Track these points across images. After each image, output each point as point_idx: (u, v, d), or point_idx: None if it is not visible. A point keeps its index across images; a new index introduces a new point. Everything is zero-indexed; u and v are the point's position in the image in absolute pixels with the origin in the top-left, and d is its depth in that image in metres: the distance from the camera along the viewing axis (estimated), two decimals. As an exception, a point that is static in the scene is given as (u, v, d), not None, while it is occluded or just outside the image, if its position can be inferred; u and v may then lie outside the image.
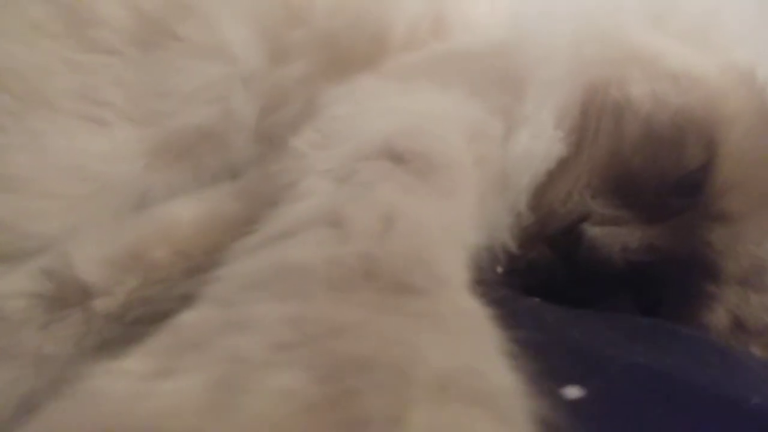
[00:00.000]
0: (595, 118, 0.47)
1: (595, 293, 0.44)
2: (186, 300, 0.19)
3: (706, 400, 0.22)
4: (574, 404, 0.22)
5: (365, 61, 0.53)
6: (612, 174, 0.45)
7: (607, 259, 0.42)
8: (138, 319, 0.31)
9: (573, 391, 0.22)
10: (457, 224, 0.28)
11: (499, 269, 0.45)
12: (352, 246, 0.21)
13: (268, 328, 0.16)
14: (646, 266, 0.42)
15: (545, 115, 0.46)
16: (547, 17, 0.50)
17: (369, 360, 0.15)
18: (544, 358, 0.24)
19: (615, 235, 0.43)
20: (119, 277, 0.32)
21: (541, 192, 0.46)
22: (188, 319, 0.17)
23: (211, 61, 0.50)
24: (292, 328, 0.16)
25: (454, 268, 0.23)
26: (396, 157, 0.31)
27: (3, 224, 0.43)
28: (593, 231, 0.43)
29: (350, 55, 0.53)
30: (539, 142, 0.45)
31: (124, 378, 0.15)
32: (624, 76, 0.47)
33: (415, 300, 0.19)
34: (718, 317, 0.43)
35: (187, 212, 0.37)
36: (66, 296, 0.31)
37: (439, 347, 0.17)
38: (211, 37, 0.50)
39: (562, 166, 0.47)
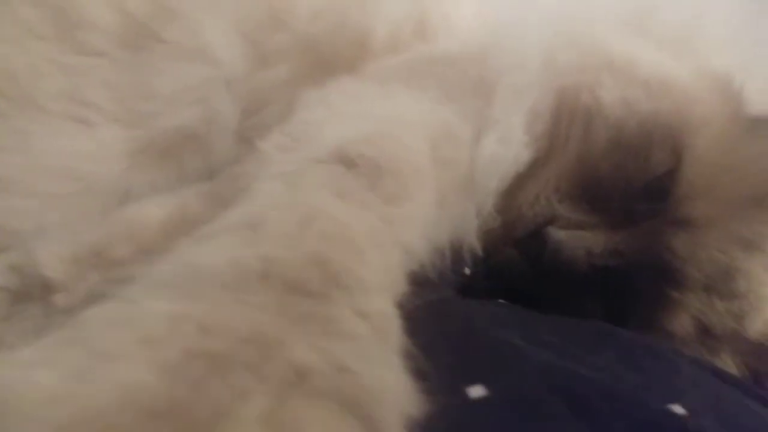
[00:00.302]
0: (566, 124, 0.47)
1: (561, 297, 0.45)
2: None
3: (614, 404, 0.23)
4: (476, 403, 0.22)
5: (347, 64, 0.54)
6: (580, 179, 0.46)
7: (571, 262, 0.43)
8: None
9: (477, 390, 0.23)
10: (397, 227, 0.29)
11: (467, 271, 0.46)
12: (258, 248, 0.22)
13: (145, 324, 0.17)
14: (610, 271, 0.43)
15: (514, 119, 0.47)
16: (521, 23, 0.50)
17: (224, 356, 0.16)
18: (457, 358, 0.25)
19: (580, 239, 0.44)
20: (81, 274, 0.33)
21: (509, 195, 0.47)
22: (89, 314, 0.19)
23: (194, 63, 0.52)
24: (167, 325, 0.17)
25: (374, 271, 0.24)
26: (348, 161, 0.32)
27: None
28: (558, 234, 0.44)
29: (332, 59, 0.54)
30: (507, 146, 0.46)
31: (11, 367, 0.17)
32: (596, 83, 0.47)
33: (304, 301, 0.20)
34: (681, 323, 0.44)
35: (157, 211, 0.39)
36: (29, 290, 0.33)
37: (308, 347, 0.18)
38: (195, 40, 0.52)
39: (531, 169, 0.48)
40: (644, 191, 0.44)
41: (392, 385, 0.19)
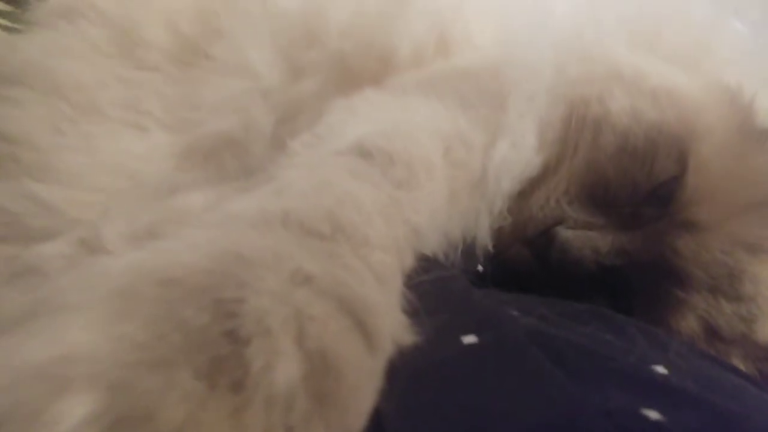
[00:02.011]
0: (575, 131, 0.50)
1: (569, 295, 0.47)
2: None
3: (594, 359, 0.26)
4: (468, 347, 0.26)
5: (372, 78, 0.59)
6: (588, 183, 0.48)
7: (578, 261, 0.46)
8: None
9: (470, 338, 0.26)
10: (405, 208, 0.33)
11: (480, 268, 0.49)
12: (280, 203, 0.26)
13: (167, 254, 0.22)
14: (616, 270, 0.45)
15: (527, 126, 0.50)
16: (535, 39, 0.54)
17: (243, 256, 0.20)
18: (455, 316, 0.28)
19: (587, 239, 0.46)
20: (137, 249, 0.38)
21: (521, 197, 0.50)
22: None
23: (236, 77, 0.58)
24: (192, 251, 0.21)
25: (379, 234, 0.27)
26: (364, 153, 0.36)
27: (56, 210, 0.51)
28: (566, 233, 0.46)
29: (359, 73, 0.59)
30: (519, 151, 0.49)
31: None
32: (605, 93, 0.50)
33: (315, 241, 0.24)
34: (688, 323, 0.45)
35: (200, 199, 0.44)
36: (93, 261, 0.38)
37: (314, 264, 0.22)
38: (238, 56, 0.58)
39: (543, 174, 0.51)
40: (650, 195, 0.47)
41: (386, 310, 0.23)
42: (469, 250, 0.48)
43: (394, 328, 0.23)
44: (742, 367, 0.47)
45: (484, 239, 0.49)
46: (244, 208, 0.26)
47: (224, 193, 0.46)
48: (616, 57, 0.53)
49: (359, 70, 0.59)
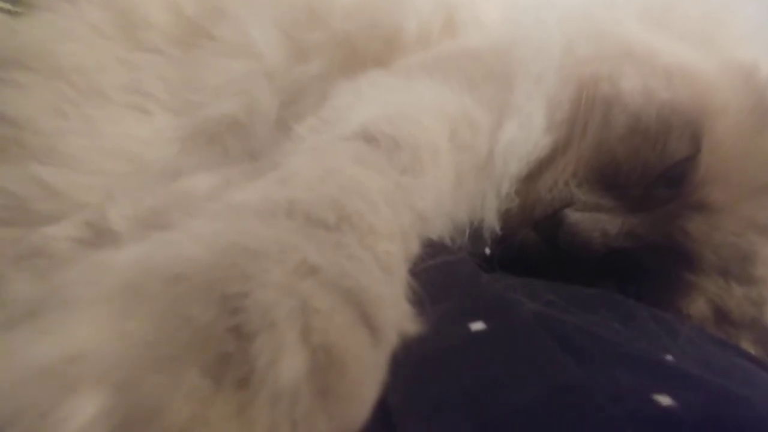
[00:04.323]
0: (585, 112, 0.49)
1: (578, 278, 0.47)
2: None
3: (602, 345, 0.25)
4: (476, 334, 0.26)
5: (378, 59, 0.58)
6: (598, 164, 0.48)
7: (587, 243, 0.45)
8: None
9: (478, 325, 0.26)
10: (411, 194, 0.32)
11: (487, 250, 0.49)
12: (285, 192, 0.26)
13: (172, 247, 0.22)
14: (626, 253, 0.45)
15: (535, 107, 0.49)
16: (543, 17, 0.53)
17: (251, 249, 0.20)
18: (463, 302, 0.28)
19: (595, 221, 0.45)
20: (141, 230, 0.38)
21: (529, 179, 0.49)
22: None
23: (239, 59, 0.57)
24: (197, 244, 0.21)
25: (384, 222, 0.27)
26: (369, 137, 0.36)
27: (60, 194, 0.51)
28: (574, 216, 0.46)
29: (364, 54, 0.58)
30: (528, 131, 0.49)
31: None
32: (616, 72, 0.49)
33: (320, 231, 0.24)
34: (698, 306, 0.45)
35: (205, 181, 0.44)
36: (101, 243, 0.38)
37: (319, 255, 0.22)
38: (241, 37, 0.57)
39: (551, 156, 0.50)
40: (661, 177, 0.46)
41: (391, 302, 0.23)
42: (476, 233, 0.48)
43: (399, 320, 0.23)
44: (752, 351, 0.47)
45: (492, 222, 0.49)
46: (248, 197, 0.26)
47: (229, 176, 0.46)
48: (626, 34, 0.51)
49: (364, 51, 0.58)
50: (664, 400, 0.24)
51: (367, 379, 0.21)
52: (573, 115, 0.50)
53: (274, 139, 0.57)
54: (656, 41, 0.51)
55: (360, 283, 0.21)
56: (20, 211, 0.51)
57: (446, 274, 0.31)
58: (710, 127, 0.46)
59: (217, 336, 0.18)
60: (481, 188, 0.48)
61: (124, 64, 0.57)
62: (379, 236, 0.26)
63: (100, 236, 0.37)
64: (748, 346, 0.47)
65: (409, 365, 0.23)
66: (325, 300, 0.20)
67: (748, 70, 0.50)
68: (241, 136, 0.57)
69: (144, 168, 0.53)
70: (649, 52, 0.50)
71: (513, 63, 0.50)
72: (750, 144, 0.46)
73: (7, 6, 0.60)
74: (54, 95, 0.55)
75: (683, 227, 0.44)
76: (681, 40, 0.52)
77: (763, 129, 0.47)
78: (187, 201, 0.43)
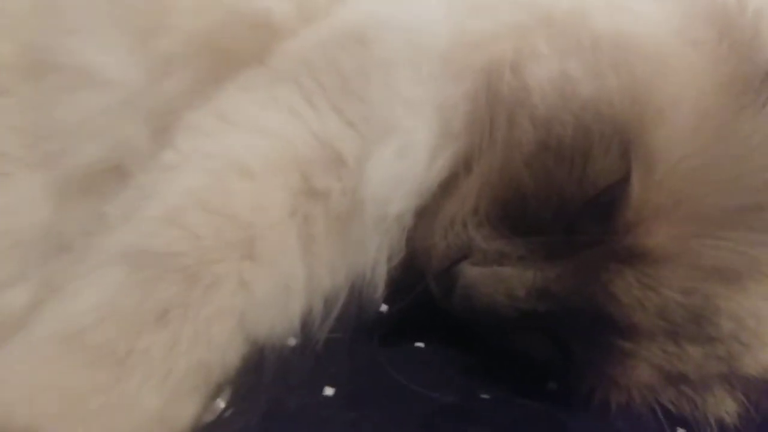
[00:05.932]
0: (488, 118, 0.36)
1: (492, 338, 0.37)
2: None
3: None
4: (327, 398, 0.31)
5: (255, 53, 0.46)
6: (502, 196, 0.35)
7: (488, 307, 0.35)
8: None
9: (329, 390, 0.31)
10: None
11: (384, 308, 0.40)
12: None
13: None
14: (539, 316, 0.34)
15: (418, 119, 0.37)
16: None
17: None
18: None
19: (497, 279, 0.35)
20: None
21: (425, 215, 0.38)
22: None
23: (88, 88, 0.48)
24: None
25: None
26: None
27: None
28: (471, 273, 0.35)
29: (236, 52, 0.47)
30: (410, 158, 0.37)
31: None
32: (524, 53, 0.35)
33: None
34: (640, 375, 0.34)
35: (22, 299, 0.39)
36: None
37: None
38: (84, 59, 0.47)
39: (453, 177, 0.38)
40: (583, 211, 0.33)
41: None
42: (363, 293, 0.39)
43: None
44: (727, 398, 0.36)
45: (381, 276, 0.39)
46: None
47: (46, 280, 0.40)
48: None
49: (234, 48, 0.46)
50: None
51: None
52: (472, 125, 0.37)
53: None
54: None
55: None
56: None
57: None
58: (650, 134, 0.31)
59: None
60: (357, 239, 0.38)
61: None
62: None
63: None
64: (722, 394, 0.36)
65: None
66: None
67: (728, 9, 0.33)
68: (119, 179, 0.50)
69: (18, 241, 0.49)
70: (575, 13, 0.34)
71: (382, 60, 0.37)
72: (717, 143, 0.31)
73: None
74: None
75: (608, 288, 0.32)
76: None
77: (740, 110, 0.31)
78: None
